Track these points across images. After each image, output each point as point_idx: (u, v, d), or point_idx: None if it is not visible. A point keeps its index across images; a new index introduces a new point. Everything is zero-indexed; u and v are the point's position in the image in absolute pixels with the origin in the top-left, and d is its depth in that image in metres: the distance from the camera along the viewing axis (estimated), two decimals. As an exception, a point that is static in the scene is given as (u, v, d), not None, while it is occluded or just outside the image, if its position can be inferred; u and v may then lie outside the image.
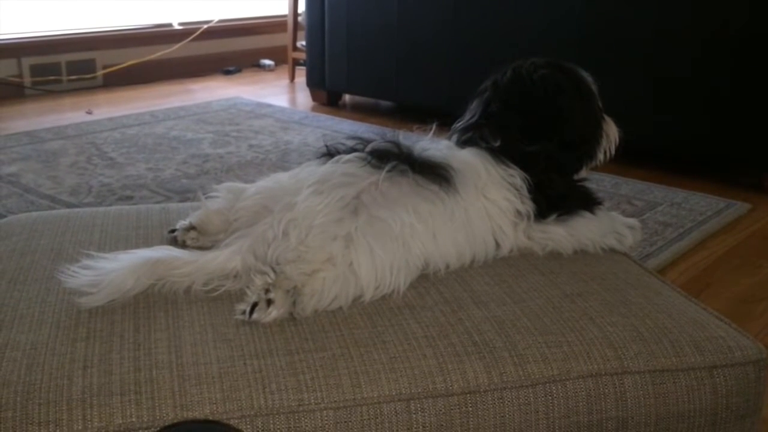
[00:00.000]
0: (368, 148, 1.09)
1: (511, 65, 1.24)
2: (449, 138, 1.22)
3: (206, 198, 1.16)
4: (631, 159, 2.77)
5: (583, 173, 1.24)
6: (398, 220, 1.01)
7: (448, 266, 1.07)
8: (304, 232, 0.98)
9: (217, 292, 0.98)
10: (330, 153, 1.11)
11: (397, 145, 1.10)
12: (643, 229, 1.28)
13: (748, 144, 2.59)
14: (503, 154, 1.14)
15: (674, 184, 2.62)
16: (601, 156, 1.24)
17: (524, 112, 1.18)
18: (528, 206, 1.12)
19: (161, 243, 1.14)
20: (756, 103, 2.53)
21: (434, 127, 1.21)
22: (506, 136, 1.15)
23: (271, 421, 0.81)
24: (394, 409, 0.84)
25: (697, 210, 2.40)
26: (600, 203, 1.20)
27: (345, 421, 0.82)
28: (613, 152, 1.25)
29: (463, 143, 1.18)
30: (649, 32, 2.67)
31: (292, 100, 3.94)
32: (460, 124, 1.23)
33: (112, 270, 0.96)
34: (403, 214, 1.01)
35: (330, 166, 1.08)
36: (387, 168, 1.05)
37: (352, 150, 1.10)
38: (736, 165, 2.80)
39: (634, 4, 2.69)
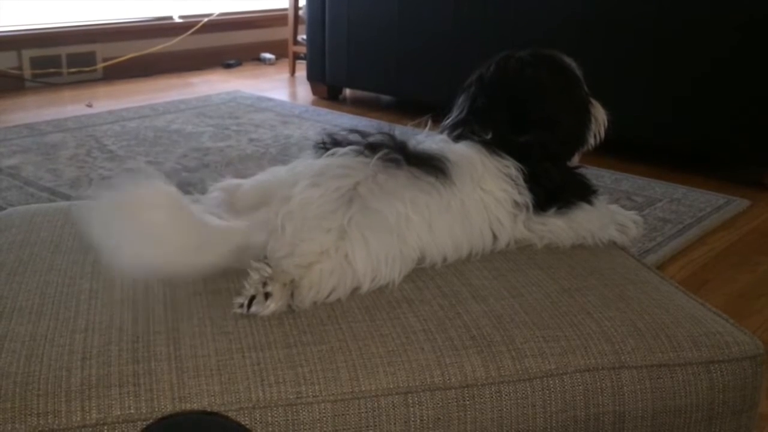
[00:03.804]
0: (364, 142, 1.10)
1: (495, 59, 1.24)
2: (441, 133, 1.22)
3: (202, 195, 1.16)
4: (631, 155, 2.78)
5: (575, 160, 1.24)
6: (393, 211, 1.01)
7: (445, 259, 1.07)
8: (299, 225, 0.98)
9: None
10: (326, 147, 1.11)
11: (392, 138, 1.10)
12: (643, 224, 1.28)
13: (749, 141, 2.59)
14: (496, 145, 1.14)
15: (674, 180, 2.62)
16: (591, 140, 1.24)
17: (512, 110, 1.19)
18: (526, 197, 1.12)
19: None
20: (757, 99, 2.53)
21: (429, 122, 1.22)
22: (497, 129, 1.16)
23: (269, 414, 0.81)
24: (392, 402, 0.84)
25: (696, 206, 2.40)
26: (596, 191, 1.20)
27: (343, 414, 0.83)
28: (602, 135, 1.25)
29: (455, 138, 1.18)
30: (651, 29, 2.67)
31: (293, 94, 3.94)
32: (448, 120, 1.23)
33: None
34: (398, 205, 1.02)
35: (326, 159, 1.08)
36: (378, 155, 1.05)
37: (349, 144, 1.10)
38: (736, 161, 2.80)
39: (635, 1, 2.69)
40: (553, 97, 1.20)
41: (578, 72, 1.23)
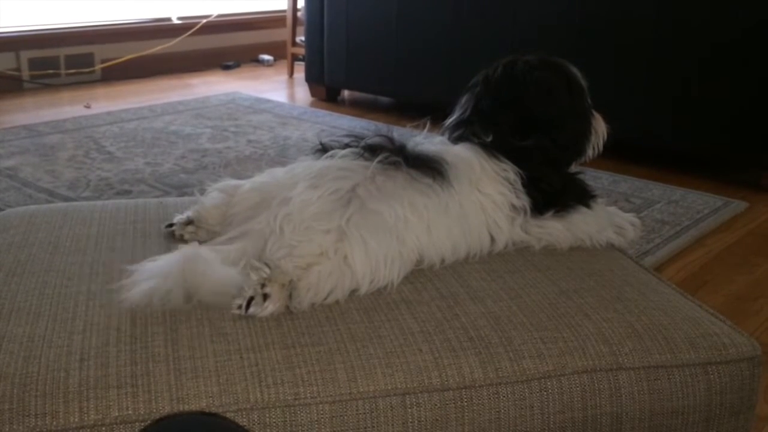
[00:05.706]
0: (362, 144, 1.10)
1: (501, 61, 1.24)
2: (442, 134, 1.22)
3: (202, 196, 1.16)
4: (629, 156, 2.78)
5: (573, 168, 1.25)
6: (392, 213, 1.01)
7: (443, 260, 1.07)
8: (298, 226, 0.98)
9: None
10: (325, 149, 1.12)
11: (391, 140, 1.11)
12: (641, 226, 1.29)
13: (746, 142, 2.59)
14: (496, 149, 1.14)
15: (672, 182, 2.63)
16: (590, 151, 1.25)
17: (516, 112, 1.19)
18: (524, 201, 1.12)
19: (159, 237, 1.15)
20: (755, 101, 2.53)
21: (428, 123, 1.22)
22: (498, 132, 1.16)
23: (267, 415, 0.81)
24: (390, 403, 0.84)
25: (694, 208, 2.40)
26: (595, 196, 1.20)
27: (341, 415, 0.83)
28: (601, 147, 1.26)
29: (455, 139, 1.19)
30: (650, 31, 2.67)
31: (291, 96, 3.94)
32: (451, 120, 1.23)
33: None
34: (397, 207, 1.02)
35: (325, 161, 1.08)
36: (378, 158, 1.05)
37: (347, 146, 1.11)
38: (733, 163, 2.80)
39: (634, 3, 2.69)
40: (558, 101, 1.20)
41: (583, 82, 1.24)
